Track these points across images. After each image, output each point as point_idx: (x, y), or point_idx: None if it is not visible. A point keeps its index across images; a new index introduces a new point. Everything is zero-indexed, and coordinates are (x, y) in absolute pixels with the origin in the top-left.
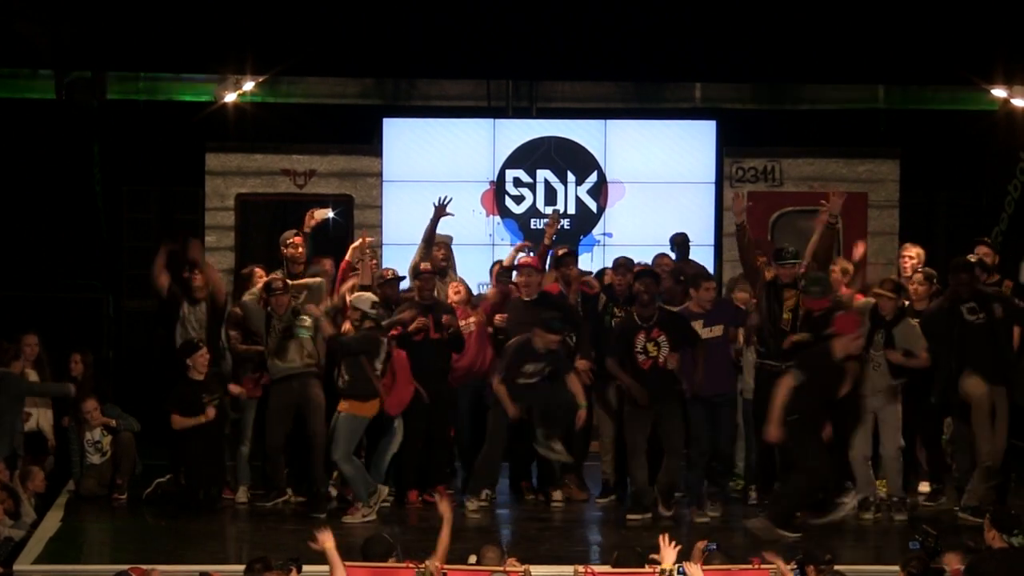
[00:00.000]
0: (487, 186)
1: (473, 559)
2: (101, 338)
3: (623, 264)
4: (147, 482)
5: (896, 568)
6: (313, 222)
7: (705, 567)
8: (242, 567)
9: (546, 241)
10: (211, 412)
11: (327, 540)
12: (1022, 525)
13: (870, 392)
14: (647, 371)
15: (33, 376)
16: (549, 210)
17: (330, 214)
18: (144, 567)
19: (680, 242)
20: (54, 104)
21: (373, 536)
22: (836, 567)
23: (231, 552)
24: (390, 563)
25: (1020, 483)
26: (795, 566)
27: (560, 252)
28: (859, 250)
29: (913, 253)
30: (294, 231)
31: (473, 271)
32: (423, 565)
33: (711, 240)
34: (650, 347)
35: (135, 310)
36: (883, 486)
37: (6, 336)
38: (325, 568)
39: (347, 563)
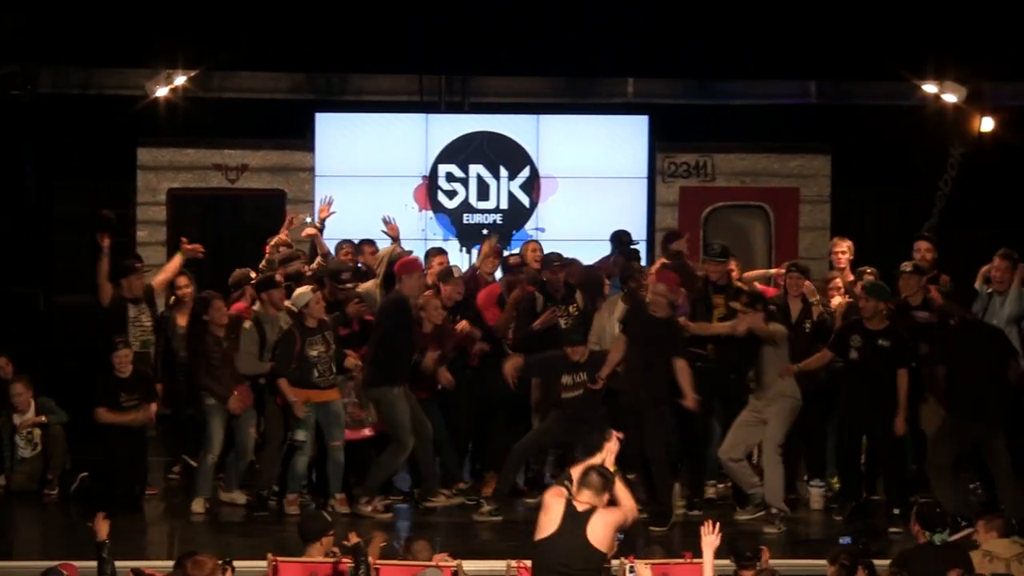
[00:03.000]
0: (420, 181)
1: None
2: (33, 333)
3: (556, 260)
4: (74, 478)
5: (824, 563)
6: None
7: (638, 561)
8: (172, 563)
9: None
10: (139, 415)
11: None
12: (946, 523)
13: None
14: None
15: None
16: (481, 204)
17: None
18: (74, 563)
19: (623, 240)
20: None
21: (311, 514)
22: (769, 562)
23: (162, 548)
24: (323, 551)
25: None
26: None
27: (512, 259)
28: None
29: (844, 247)
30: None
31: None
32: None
33: (644, 235)
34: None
35: (67, 305)
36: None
37: None
38: (255, 563)
39: (279, 559)
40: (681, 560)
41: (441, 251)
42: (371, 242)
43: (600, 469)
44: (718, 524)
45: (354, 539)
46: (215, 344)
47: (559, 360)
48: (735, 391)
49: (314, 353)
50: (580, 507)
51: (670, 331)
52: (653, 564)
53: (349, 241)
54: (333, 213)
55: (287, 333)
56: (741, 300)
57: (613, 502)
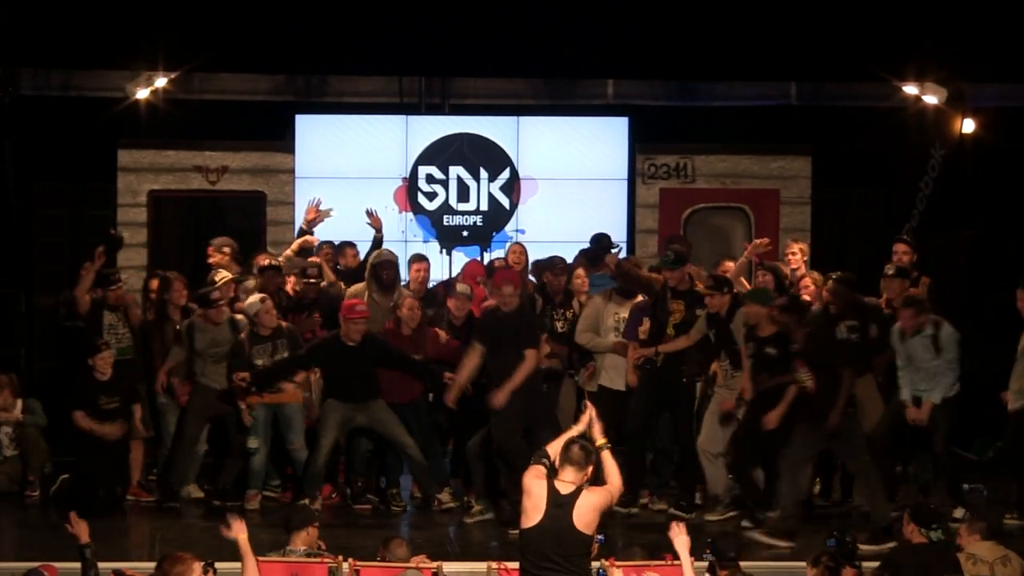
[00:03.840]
0: (400, 182)
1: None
2: (12, 335)
3: (559, 264)
4: (54, 479)
5: (803, 564)
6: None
7: (618, 563)
8: (153, 564)
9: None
10: (114, 430)
11: (240, 531)
12: (941, 521)
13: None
14: None
15: None
16: (462, 206)
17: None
18: (55, 565)
19: (599, 241)
20: None
21: (297, 505)
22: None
23: (144, 549)
24: (306, 542)
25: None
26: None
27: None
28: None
29: (796, 249)
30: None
31: None
32: (336, 561)
33: (624, 236)
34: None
35: (47, 307)
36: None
37: None
38: (236, 565)
39: (260, 558)
40: (661, 562)
41: (422, 257)
42: (352, 244)
43: (580, 441)
44: (683, 524)
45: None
46: (172, 329)
47: None
48: (687, 393)
49: (259, 362)
50: (564, 488)
51: (525, 324)
52: (631, 566)
53: (329, 243)
54: (331, 214)
55: (238, 342)
56: (706, 284)
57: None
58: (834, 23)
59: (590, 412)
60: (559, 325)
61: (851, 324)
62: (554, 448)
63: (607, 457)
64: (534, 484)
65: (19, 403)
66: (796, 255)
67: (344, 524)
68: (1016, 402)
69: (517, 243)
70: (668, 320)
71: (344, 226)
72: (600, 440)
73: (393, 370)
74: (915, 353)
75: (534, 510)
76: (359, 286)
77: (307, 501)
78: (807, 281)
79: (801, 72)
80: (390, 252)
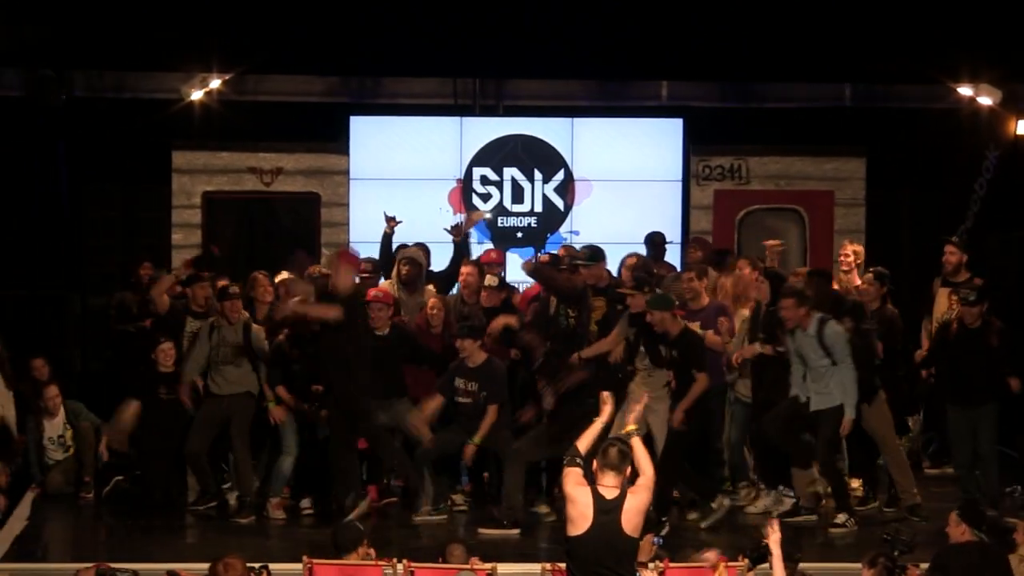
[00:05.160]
0: (454, 184)
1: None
2: (66, 337)
3: (566, 264)
4: (108, 479)
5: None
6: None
7: (673, 565)
8: (207, 565)
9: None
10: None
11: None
12: (988, 521)
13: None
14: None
15: None
16: (516, 208)
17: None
18: (112, 565)
19: (657, 242)
20: (19, 101)
21: (344, 524)
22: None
23: (197, 550)
24: (358, 560)
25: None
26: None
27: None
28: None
29: (850, 251)
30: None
31: (440, 268)
32: (390, 563)
33: (678, 238)
34: (470, 386)
35: (100, 308)
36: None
37: None
38: (291, 566)
39: (315, 561)
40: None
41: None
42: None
43: (617, 444)
44: (777, 522)
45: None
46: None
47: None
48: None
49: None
50: (608, 494)
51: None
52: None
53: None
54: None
55: (278, 344)
56: (626, 285)
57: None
58: (889, 24)
59: (610, 403)
60: (572, 323)
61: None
62: (584, 443)
63: (637, 444)
64: (578, 492)
65: (62, 409)
66: (849, 256)
67: (398, 525)
68: None
69: (567, 245)
70: (590, 318)
71: (398, 228)
72: (631, 426)
73: (422, 367)
74: (804, 351)
75: (581, 518)
76: (388, 282)
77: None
78: (862, 282)
79: (855, 73)
80: (416, 249)
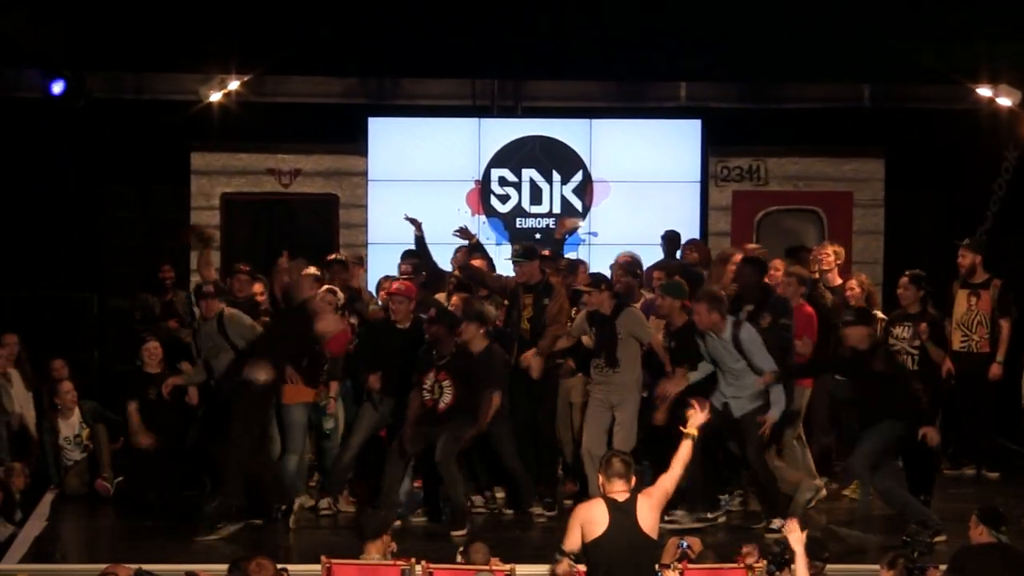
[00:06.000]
0: (472, 185)
1: (459, 556)
2: (85, 338)
3: (564, 265)
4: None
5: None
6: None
7: (691, 566)
8: (225, 566)
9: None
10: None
11: None
12: (1008, 522)
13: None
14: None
15: (15, 376)
16: (534, 209)
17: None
18: (129, 566)
19: (669, 238)
20: (39, 103)
21: (371, 512)
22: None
23: (216, 551)
24: (381, 548)
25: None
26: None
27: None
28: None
29: (830, 250)
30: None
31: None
32: (409, 563)
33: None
34: (436, 388)
35: (119, 309)
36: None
37: None
38: (309, 567)
39: (334, 561)
40: (734, 565)
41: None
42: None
43: (618, 454)
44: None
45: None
46: None
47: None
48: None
49: None
50: (620, 497)
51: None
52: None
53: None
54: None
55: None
56: (586, 282)
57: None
58: (908, 24)
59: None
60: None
61: (750, 309)
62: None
63: (685, 445)
64: (588, 508)
65: (77, 409)
66: (830, 256)
67: (418, 527)
68: None
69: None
70: (520, 316)
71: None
72: (691, 431)
73: None
74: (717, 354)
75: (596, 523)
76: (441, 294)
77: (330, 499)
78: (852, 283)
79: (874, 73)
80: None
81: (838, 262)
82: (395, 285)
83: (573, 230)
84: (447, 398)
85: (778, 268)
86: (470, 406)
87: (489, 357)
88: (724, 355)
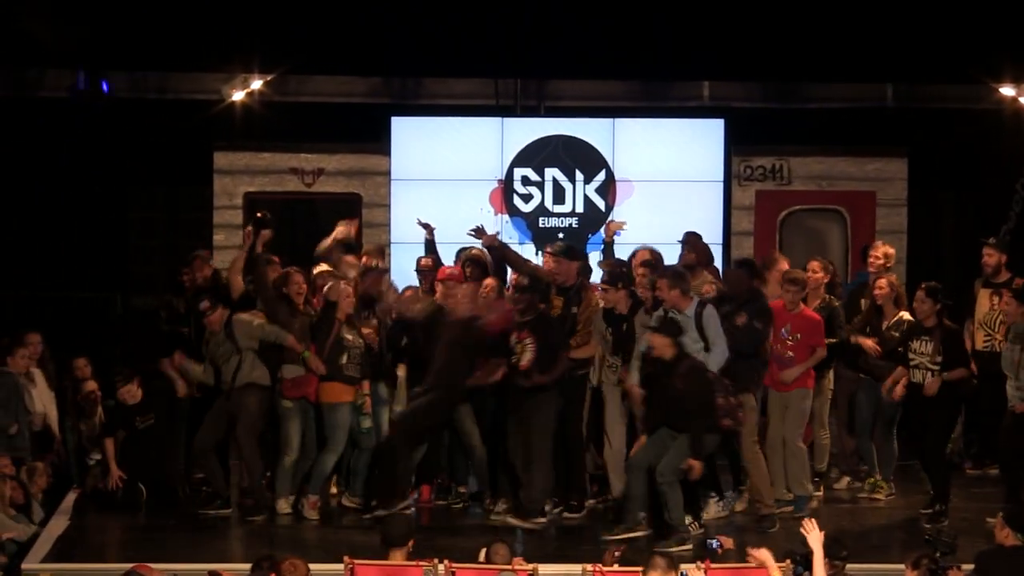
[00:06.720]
0: (495, 184)
1: (483, 556)
2: (109, 337)
3: (645, 263)
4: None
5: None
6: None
7: (714, 566)
8: (248, 566)
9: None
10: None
11: None
12: None
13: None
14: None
15: (39, 376)
16: (557, 208)
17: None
18: (152, 566)
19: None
20: (62, 103)
21: (393, 517)
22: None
23: (238, 551)
24: (400, 560)
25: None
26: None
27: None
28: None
29: (880, 253)
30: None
31: None
32: (431, 563)
33: (719, 239)
34: (517, 347)
35: (143, 309)
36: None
37: (10, 335)
38: (331, 567)
39: (357, 561)
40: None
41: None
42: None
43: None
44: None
45: None
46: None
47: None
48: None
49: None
50: None
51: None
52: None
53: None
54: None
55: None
56: (603, 281)
57: None
58: (931, 24)
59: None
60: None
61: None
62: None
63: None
64: None
65: (100, 408)
66: (879, 259)
67: (442, 526)
68: None
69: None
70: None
71: (439, 229)
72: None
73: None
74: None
75: None
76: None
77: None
78: (882, 283)
79: (898, 73)
80: (478, 251)
81: (887, 264)
82: (446, 270)
83: (616, 231)
84: (528, 355)
85: (816, 270)
86: (548, 365)
87: (562, 321)
88: (685, 335)
